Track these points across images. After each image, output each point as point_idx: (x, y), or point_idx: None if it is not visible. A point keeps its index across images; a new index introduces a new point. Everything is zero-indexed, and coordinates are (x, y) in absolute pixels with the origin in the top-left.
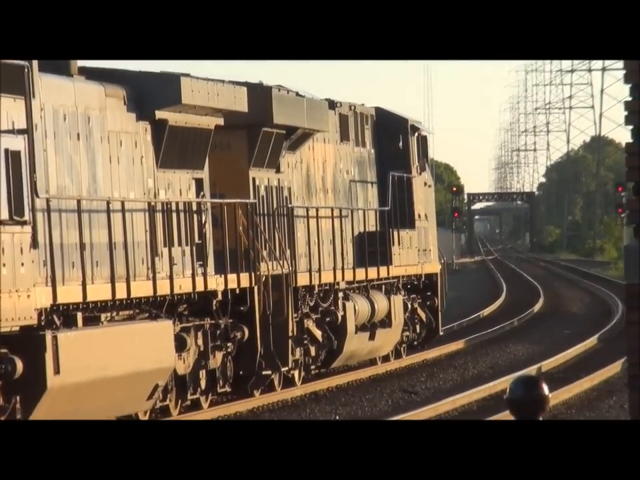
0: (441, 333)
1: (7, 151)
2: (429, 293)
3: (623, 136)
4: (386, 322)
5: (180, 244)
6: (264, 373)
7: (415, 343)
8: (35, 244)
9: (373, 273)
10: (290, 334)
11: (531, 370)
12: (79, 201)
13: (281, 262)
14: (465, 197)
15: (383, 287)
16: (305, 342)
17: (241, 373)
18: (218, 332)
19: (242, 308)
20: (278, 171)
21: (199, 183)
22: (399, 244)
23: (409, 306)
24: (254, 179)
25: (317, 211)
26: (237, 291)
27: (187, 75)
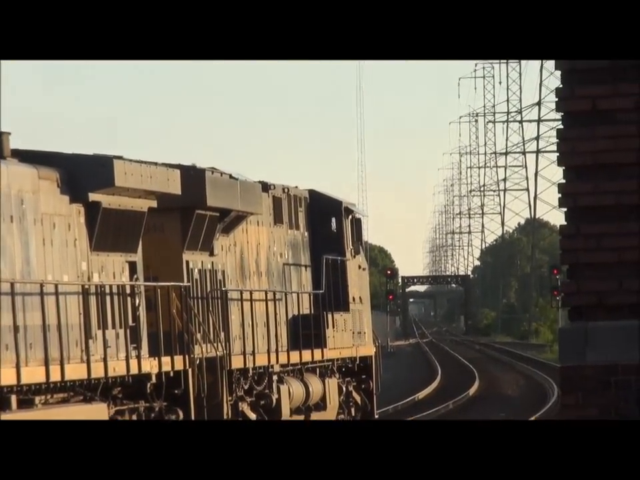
0: (376, 416)
1: None
2: (363, 376)
3: (558, 218)
4: (321, 405)
5: (114, 327)
6: None
7: None
8: None
9: (307, 355)
10: (224, 417)
11: None
12: (12, 284)
13: (215, 345)
14: (400, 279)
15: (318, 369)
16: None
17: None
18: (152, 415)
19: (176, 391)
20: (212, 253)
21: (133, 265)
22: (333, 327)
23: (344, 389)
24: (187, 262)
25: (251, 294)
26: (171, 374)
27: (120, 158)
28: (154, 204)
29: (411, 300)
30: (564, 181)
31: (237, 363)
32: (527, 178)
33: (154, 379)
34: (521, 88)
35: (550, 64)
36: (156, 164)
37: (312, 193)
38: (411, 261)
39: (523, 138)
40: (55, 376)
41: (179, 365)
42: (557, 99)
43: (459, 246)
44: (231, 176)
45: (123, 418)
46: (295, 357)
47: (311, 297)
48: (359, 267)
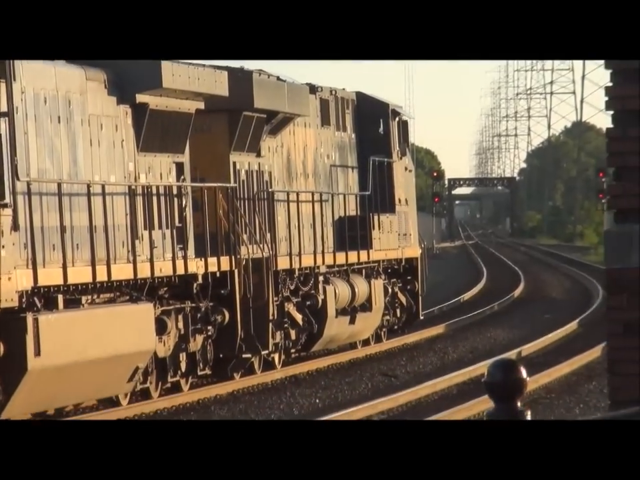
0: (422, 317)
1: None
2: (409, 277)
3: (604, 121)
4: (366, 306)
5: (160, 227)
6: (244, 355)
7: (395, 327)
8: (15, 227)
9: (353, 256)
10: (270, 317)
11: (511, 354)
12: (59, 184)
13: (261, 245)
14: (446, 182)
15: (364, 271)
16: (286, 325)
17: (221, 355)
18: (198, 315)
19: (222, 291)
20: (259, 155)
21: (180, 166)
22: (379, 228)
23: (390, 290)
24: (234, 163)
25: (298, 195)
26: (218, 275)
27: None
28: (201, 105)
29: (457, 202)
30: (611, 84)
31: (283, 263)
32: (573, 81)
33: (200, 280)
34: None
35: None
36: (204, 66)
37: (359, 95)
38: (458, 163)
39: None
40: (102, 276)
41: (225, 266)
42: None
43: (505, 148)
44: (278, 78)
45: (168, 318)
46: (341, 258)
47: (357, 198)
48: (405, 168)
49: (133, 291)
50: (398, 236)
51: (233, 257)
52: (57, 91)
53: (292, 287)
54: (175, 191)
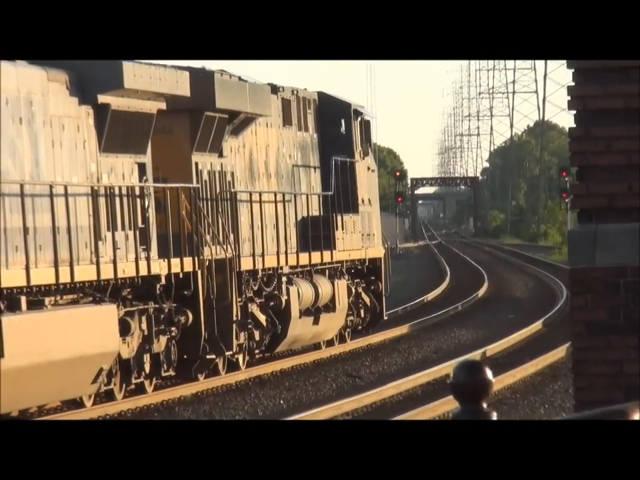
0: (385, 318)
1: None
2: (372, 278)
3: (566, 121)
4: (330, 306)
5: (123, 228)
6: (208, 357)
7: (359, 327)
8: None
9: (316, 257)
10: (234, 318)
11: (475, 355)
12: (21, 185)
13: (225, 246)
14: (409, 181)
15: (327, 271)
16: (249, 326)
17: (185, 357)
18: (162, 316)
19: (186, 292)
20: (221, 155)
21: (142, 167)
22: (342, 228)
23: (353, 290)
24: (197, 164)
25: (260, 195)
26: (181, 276)
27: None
28: (163, 106)
29: (420, 202)
30: (573, 84)
31: (246, 264)
32: (535, 80)
33: (163, 281)
34: None
35: None
36: (165, 66)
37: (321, 95)
38: (420, 163)
39: None
40: (65, 277)
41: (188, 267)
42: None
43: (468, 148)
44: (240, 78)
45: (132, 319)
46: (304, 258)
47: (320, 198)
48: (368, 168)
49: (96, 292)
50: (361, 236)
51: (196, 258)
52: (18, 91)
53: (255, 288)
54: (137, 192)
